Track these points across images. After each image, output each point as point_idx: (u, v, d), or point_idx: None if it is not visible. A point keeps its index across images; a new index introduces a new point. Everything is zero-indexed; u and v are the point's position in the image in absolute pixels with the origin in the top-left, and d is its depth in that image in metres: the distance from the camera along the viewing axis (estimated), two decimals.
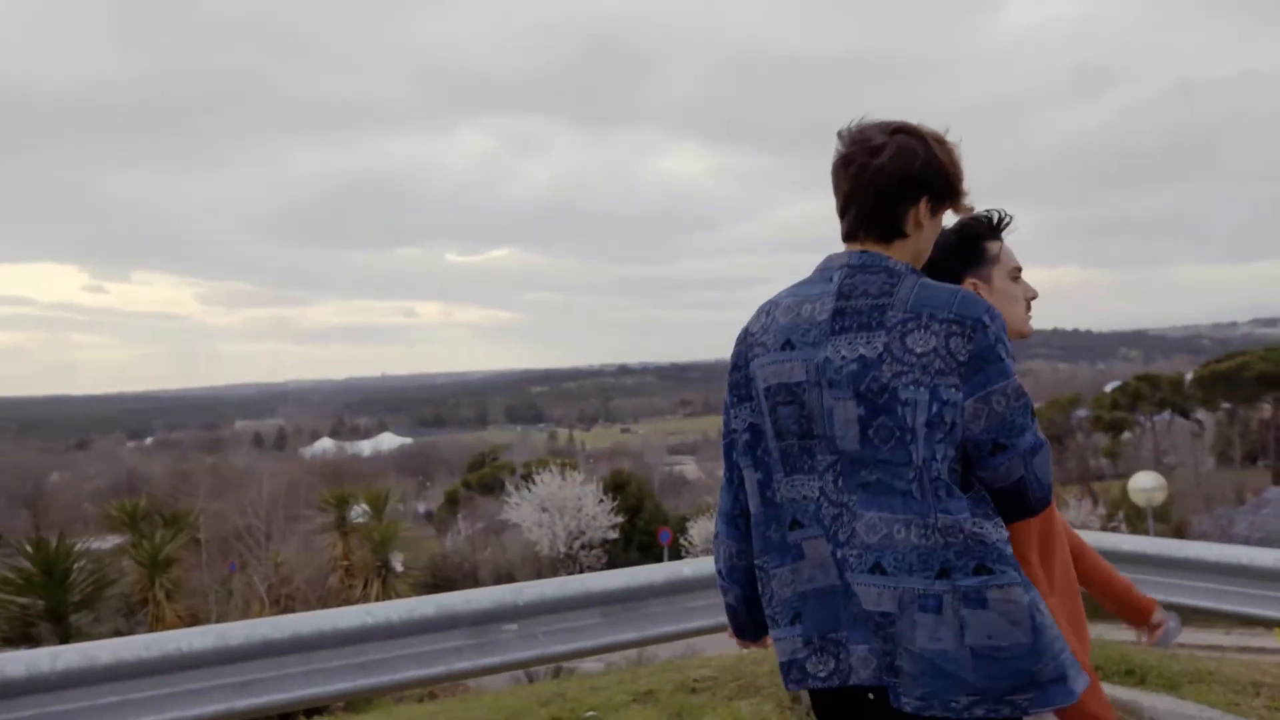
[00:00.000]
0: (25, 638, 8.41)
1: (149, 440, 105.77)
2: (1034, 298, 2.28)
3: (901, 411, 1.83)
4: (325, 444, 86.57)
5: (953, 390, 1.82)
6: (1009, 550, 1.83)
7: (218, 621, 13.53)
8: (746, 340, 2.04)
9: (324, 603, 14.56)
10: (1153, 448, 53.79)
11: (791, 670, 1.95)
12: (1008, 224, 2.29)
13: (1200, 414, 55.55)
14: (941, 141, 1.97)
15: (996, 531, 1.84)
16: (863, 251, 1.96)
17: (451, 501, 47.67)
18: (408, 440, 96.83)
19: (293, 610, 13.91)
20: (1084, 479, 48.12)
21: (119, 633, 10.78)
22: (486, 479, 48.31)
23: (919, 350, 1.83)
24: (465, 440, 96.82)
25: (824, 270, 1.99)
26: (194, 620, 12.59)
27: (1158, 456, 51.49)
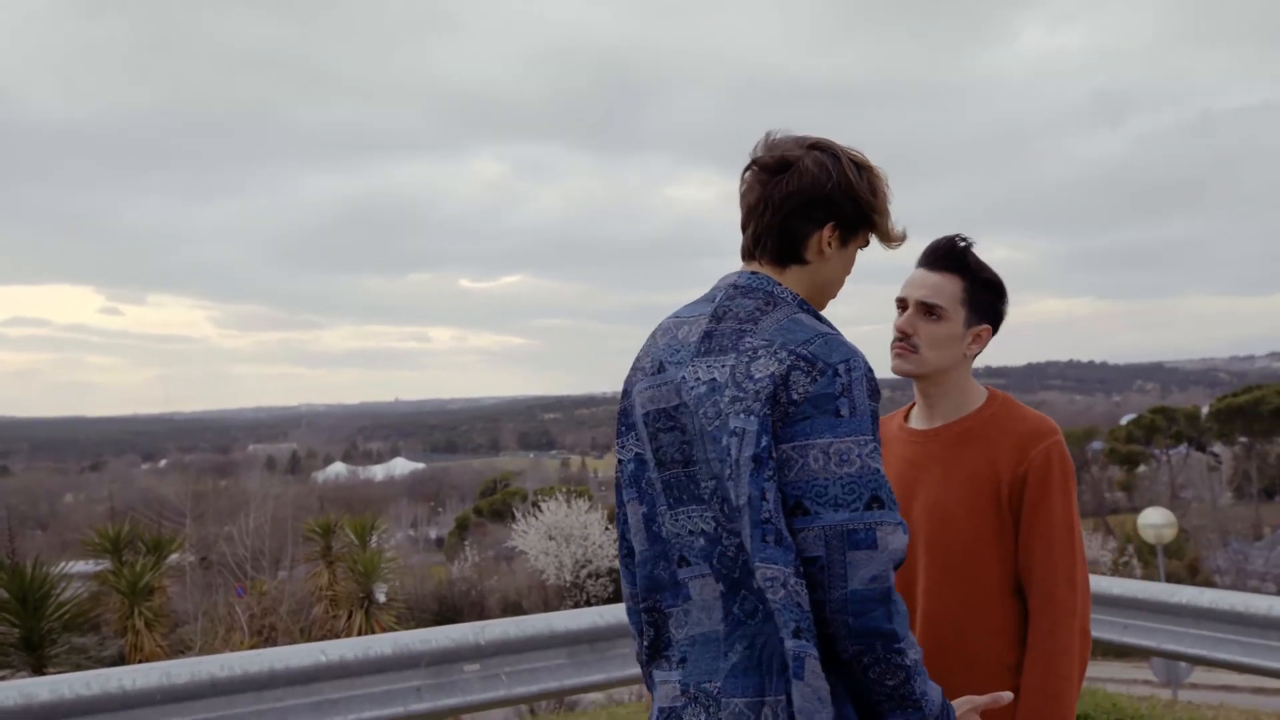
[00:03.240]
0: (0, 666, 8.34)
1: (162, 462, 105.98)
2: (904, 335, 2.19)
3: (727, 442, 1.65)
4: (338, 468, 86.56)
5: (778, 426, 1.63)
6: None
7: (201, 652, 13.54)
8: (633, 365, 1.90)
9: (306, 634, 14.44)
10: (1169, 481, 53.28)
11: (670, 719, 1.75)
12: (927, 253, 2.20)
13: (1217, 447, 55.10)
14: (864, 167, 1.82)
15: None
16: (752, 273, 1.81)
17: (462, 527, 47.61)
18: (420, 465, 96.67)
19: (274, 641, 13.86)
20: (1099, 513, 47.69)
21: (118, 661, 10.70)
22: (497, 505, 48.22)
23: (758, 375, 1.64)
24: (477, 466, 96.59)
25: (711, 291, 1.84)
26: (177, 650, 12.50)
27: (1174, 490, 51.06)
